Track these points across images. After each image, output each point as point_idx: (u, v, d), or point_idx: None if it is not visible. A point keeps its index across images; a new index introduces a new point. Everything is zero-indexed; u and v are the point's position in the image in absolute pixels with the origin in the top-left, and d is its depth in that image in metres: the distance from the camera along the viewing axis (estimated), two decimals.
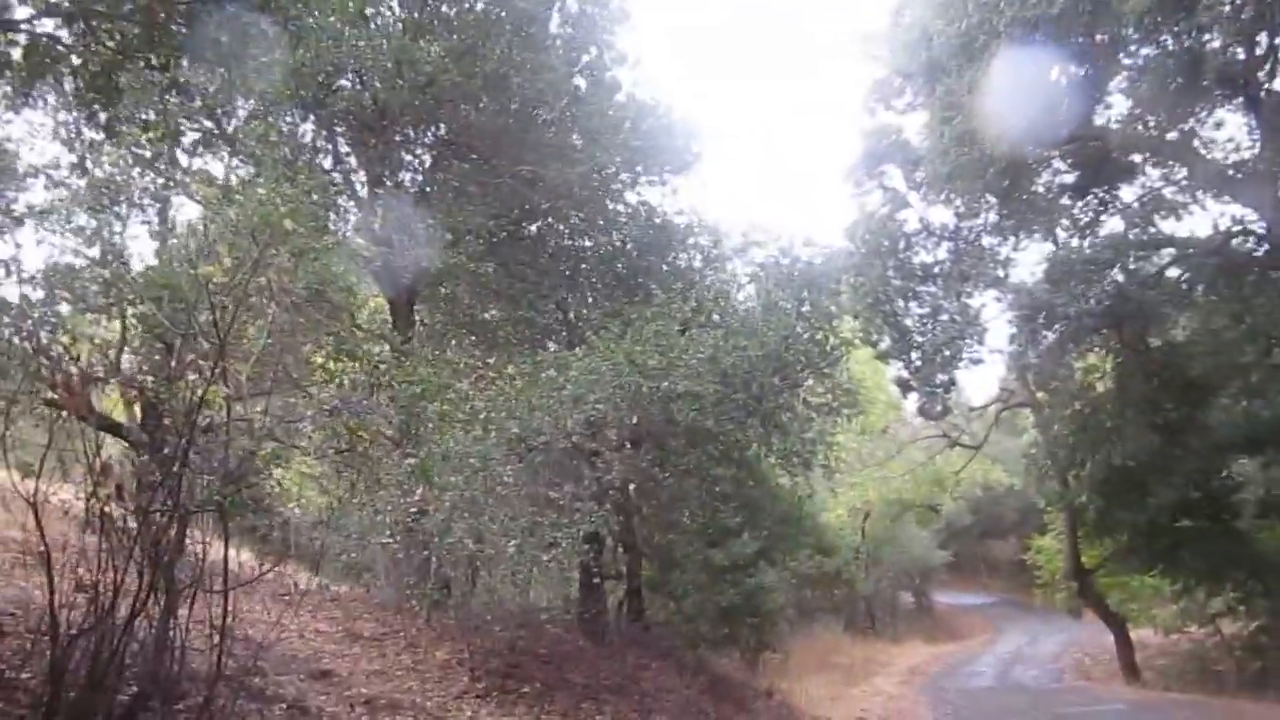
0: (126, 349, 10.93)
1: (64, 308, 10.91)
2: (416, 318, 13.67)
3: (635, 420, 10.28)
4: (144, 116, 10.09)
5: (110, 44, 11.09)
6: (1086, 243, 21.18)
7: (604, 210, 14.00)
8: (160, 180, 12.00)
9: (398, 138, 13.00)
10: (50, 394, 12.70)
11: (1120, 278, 19.07)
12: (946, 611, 42.93)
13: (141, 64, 10.12)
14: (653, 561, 18.67)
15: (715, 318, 12.49)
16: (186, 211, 12.77)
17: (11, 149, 12.64)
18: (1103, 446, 21.73)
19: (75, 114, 11.47)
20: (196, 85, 10.38)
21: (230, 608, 5.98)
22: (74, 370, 12.86)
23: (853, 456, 34.23)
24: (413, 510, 9.64)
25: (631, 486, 12.65)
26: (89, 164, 12.46)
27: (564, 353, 11.01)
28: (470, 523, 8.97)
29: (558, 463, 9.99)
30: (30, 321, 10.30)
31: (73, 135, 12.51)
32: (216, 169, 12.83)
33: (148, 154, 11.79)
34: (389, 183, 12.66)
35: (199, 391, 5.29)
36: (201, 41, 9.86)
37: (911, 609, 41.30)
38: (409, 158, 13.55)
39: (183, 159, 12.87)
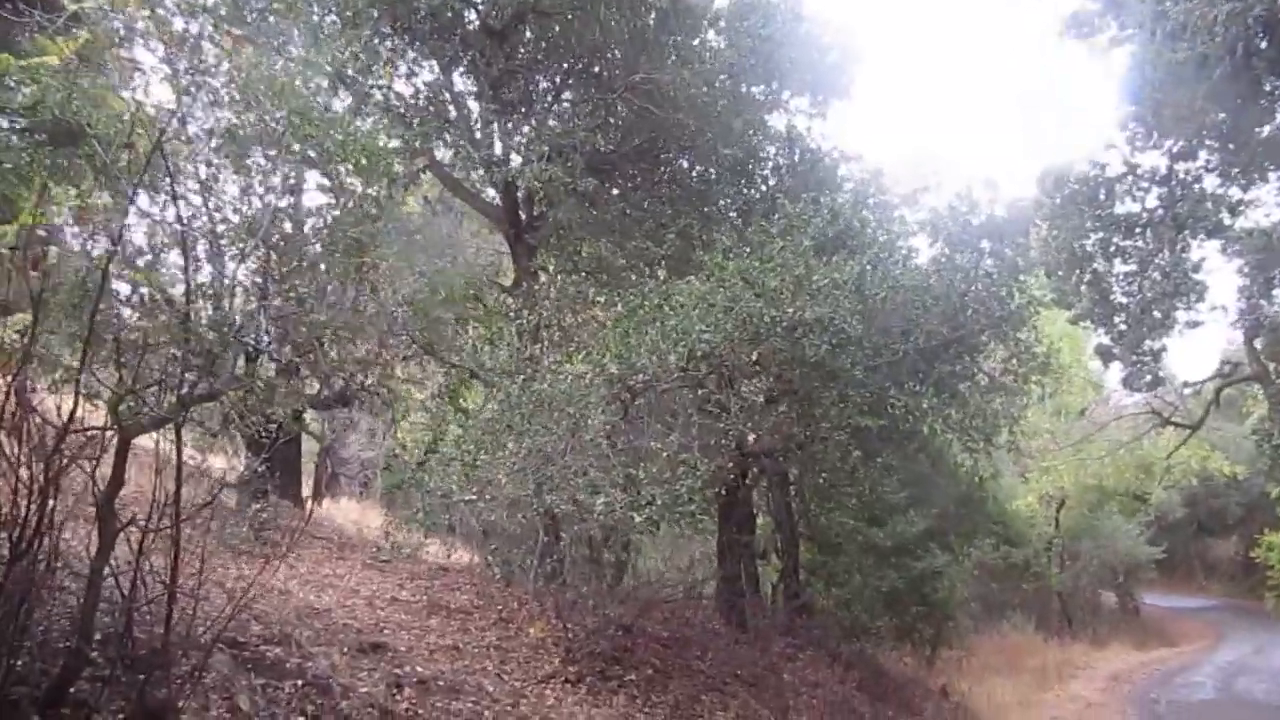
0: None
1: None
2: (539, 260, 12.49)
3: (755, 357, 8.60)
4: None
5: None
6: None
7: (740, 131, 12.25)
8: None
9: (504, 50, 11.75)
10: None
11: None
12: (1156, 614, 38.67)
13: None
14: (812, 541, 16.92)
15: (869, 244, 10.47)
16: None
17: None
18: None
19: None
20: None
21: (192, 552, 4.80)
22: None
23: (1046, 439, 31.14)
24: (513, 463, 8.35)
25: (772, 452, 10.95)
26: None
27: (673, 280, 9.45)
28: (549, 476, 7.58)
29: (664, 409, 8.46)
30: None
31: None
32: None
33: None
34: (488, 100, 11.43)
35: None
36: None
37: (1115, 610, 37.38)
38: (515, 73, 12.23)
39: None
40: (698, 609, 12.40)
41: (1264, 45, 16.86)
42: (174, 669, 4.86)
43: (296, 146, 4.87)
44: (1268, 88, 18.44)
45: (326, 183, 5.77)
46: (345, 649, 6.76)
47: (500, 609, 9.63)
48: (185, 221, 4.51)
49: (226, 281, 4.68)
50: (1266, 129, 19.14)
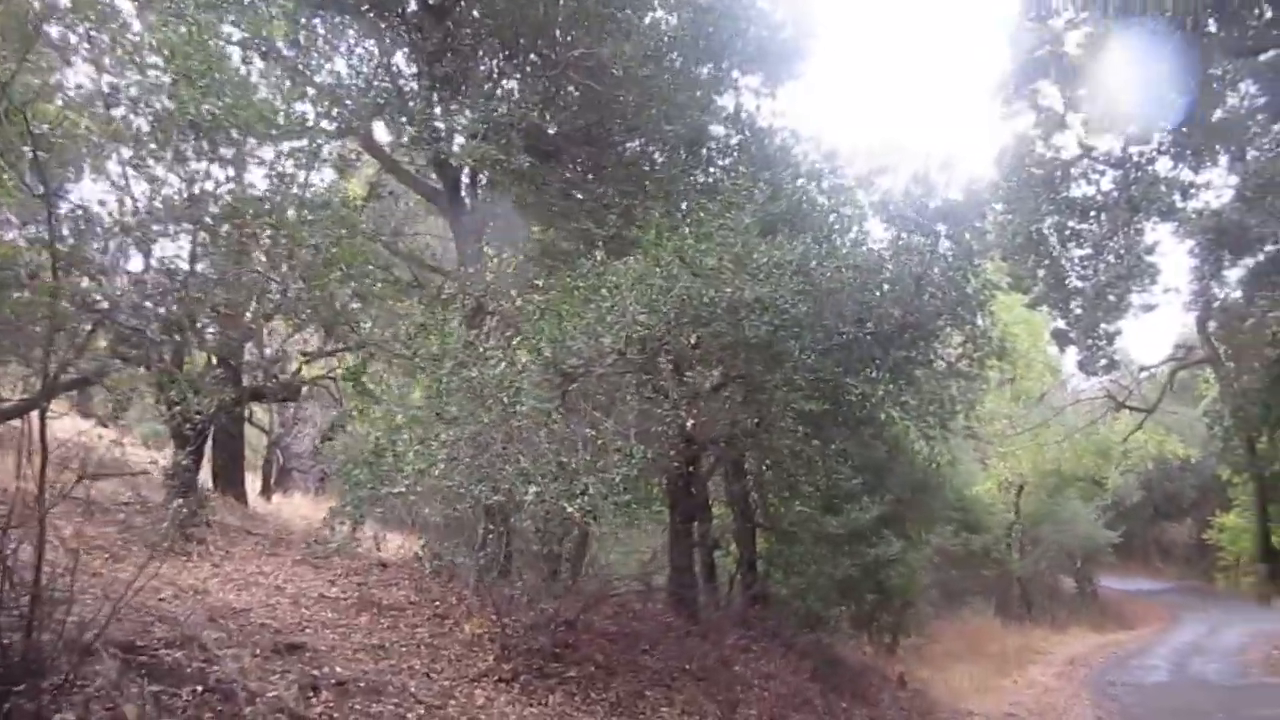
0: None
1: None
2: (481, 244, 12.11)
3: (695, 340, 8.28)
4: None
5: None
6: None
7: (685, 106, 11.90)
8: None
9: (443, 26, 11.40)
10: None
11: None
12: (1114, 597, 38.99)
13: None
14: (769, 530, 16.66)
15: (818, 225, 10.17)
16: None
17: None
18: None
19: None
20: None
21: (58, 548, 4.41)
22: None
23: (1004, 424, 31.19)
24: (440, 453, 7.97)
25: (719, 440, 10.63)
26: None
27: (610, 260, 9.10)
28: (477, 465, 7.23)
29: (602, 395, 8.12)
30: None
31: None
32: None
33: None
34: (425, 77, 11.06)
35: None
36: None
37: (1073, 594, 37.62)
38: (454, 50, 11.82)
39: None
40: (650, 602, 12.08)
41: (1212, 27, 16.82)
42: (47, 678, 4.46)
43: (177, 110, 4.46)
44: (1218, 71, 18.45)
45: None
46: (258, 650, 6.36)
47: (437, 605, 9.25)
48: (49, 190, 4.09)
49: (98, 257, 4.27)
50: (1218, 112, 19.17)
